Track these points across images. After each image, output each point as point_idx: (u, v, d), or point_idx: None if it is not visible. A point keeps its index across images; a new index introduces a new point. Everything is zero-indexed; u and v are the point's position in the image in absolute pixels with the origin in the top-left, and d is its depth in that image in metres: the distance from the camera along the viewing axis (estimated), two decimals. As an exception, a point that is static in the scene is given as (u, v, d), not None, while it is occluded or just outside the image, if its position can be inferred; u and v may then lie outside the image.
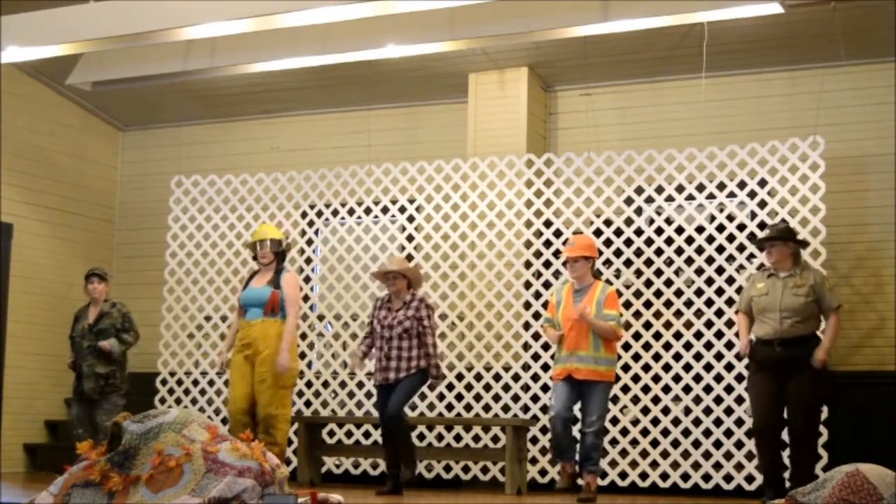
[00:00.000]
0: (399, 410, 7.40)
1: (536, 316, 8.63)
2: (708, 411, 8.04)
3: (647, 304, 8.36)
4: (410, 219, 9.36)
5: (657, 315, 8.31)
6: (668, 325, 8.27)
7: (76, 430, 8.11)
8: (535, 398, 8.56)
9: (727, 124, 9.00)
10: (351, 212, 9.52)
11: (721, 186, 8.37)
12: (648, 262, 8.40)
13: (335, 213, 9.61)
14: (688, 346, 8.18)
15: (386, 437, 7.54)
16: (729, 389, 7.98)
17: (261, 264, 7.72)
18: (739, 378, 7.90)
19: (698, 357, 8.14)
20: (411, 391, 7.52)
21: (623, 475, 8.20)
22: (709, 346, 8.13)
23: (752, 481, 7.82)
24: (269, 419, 7.38)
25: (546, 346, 8.51)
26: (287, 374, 7.45)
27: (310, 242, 9.82)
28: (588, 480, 7.11)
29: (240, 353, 7.53)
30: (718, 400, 8.00)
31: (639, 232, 8.51)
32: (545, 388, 8.42)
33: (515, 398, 8.64)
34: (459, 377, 8.85)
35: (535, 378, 8.57)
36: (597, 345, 7.12)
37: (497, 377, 8.71)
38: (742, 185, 8.33)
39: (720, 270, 8.17)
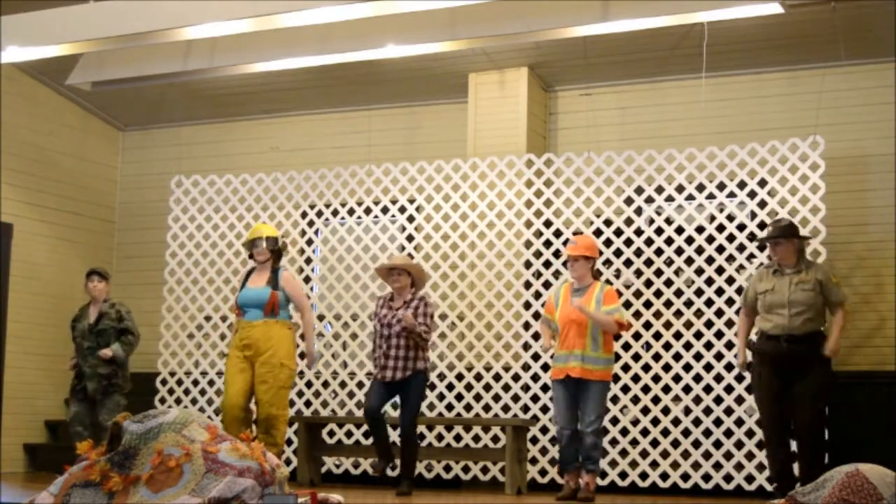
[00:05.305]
0: (412, 423, 7.44)
1: (536, 316, 8.63)
2: (708, 411, 8.04)
3: (647, 304, 8.35)
4: (410, 219, 9.36)
5: (657, 315, 8.31)
6: (668, 325, 8.27)
7: (74, 427, 8.12)
8: (535, 398, 8.56)
9: (727, 124, 8.99)
10: (351, 212, 9.52)
11: (721, 186, 8.37)
12: (648, 262, 8.40)
13: (335, 213, 9.61)
14: (688, 346, 8.18)
15: (373, 430, 7.52)
16: (729, 389, 7.97)
17: (257, 262, 7.74)
18: (740, 378, 7.89)
19: (698, 357, 8.14)
20: (419, 402, 7.54)
21: (623, 475, 8.20)
22: (709, 346, 8.13)
23: (752, 481, 7.82)
24: (270, 419, 7.39)
25: (546, 346, 8.52)
26: (286, 374, 7.47)
27: (310, 242, 9.82)
28: (587, 480, 7.11)
29: (239, 352, 7.54)
30: (718, 400, 8.00)
31: (639, 232, 8.51)
32: (545, 388, 8.42)
33: (515, 398, 8.64)
34: (459, 377, 8.85)
35: (535, 378, 8.56)
36: (595, 345, 7.12)
37: (497, 377, 8.71)
38: (742, 185, 8.33)
39: (720, 270, 8.17)
